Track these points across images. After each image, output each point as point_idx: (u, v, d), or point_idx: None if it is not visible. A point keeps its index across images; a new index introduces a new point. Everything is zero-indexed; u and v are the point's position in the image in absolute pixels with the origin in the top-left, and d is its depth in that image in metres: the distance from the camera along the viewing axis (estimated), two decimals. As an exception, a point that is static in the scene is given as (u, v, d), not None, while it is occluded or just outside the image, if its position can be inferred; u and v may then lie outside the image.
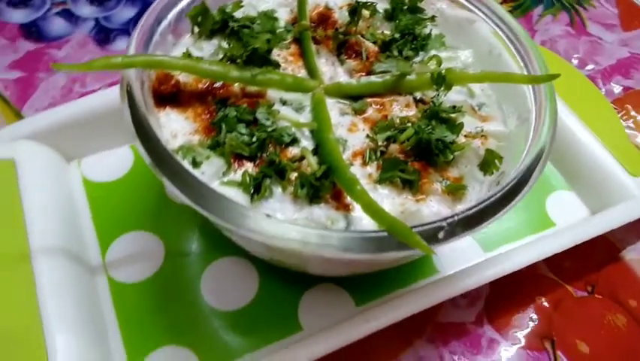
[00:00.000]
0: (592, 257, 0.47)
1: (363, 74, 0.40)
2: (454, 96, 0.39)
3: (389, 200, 0.34)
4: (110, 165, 0.47)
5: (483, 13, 0.43)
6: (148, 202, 0.46)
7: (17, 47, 0.56)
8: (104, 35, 0.58)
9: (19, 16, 0.58)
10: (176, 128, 0.35)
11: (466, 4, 0.43)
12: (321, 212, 0.32)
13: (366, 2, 0.42)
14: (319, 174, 0.32)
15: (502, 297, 0.44)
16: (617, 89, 0.57)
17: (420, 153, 0.35)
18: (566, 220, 0.47)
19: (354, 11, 0.41)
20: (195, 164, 0.34)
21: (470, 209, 0.30)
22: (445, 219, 0.29)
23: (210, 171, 0.33)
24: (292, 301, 0.41)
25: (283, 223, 0.29)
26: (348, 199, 0.33)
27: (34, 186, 0.42)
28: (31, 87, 0.53)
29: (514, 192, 0.32)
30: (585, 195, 0.49)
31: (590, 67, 0.58)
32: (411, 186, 0.34)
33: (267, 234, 0.29)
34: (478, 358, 0.40)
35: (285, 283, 0.42)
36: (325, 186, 0.32)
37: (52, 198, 0.43)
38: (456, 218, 0.30)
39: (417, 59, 0.41)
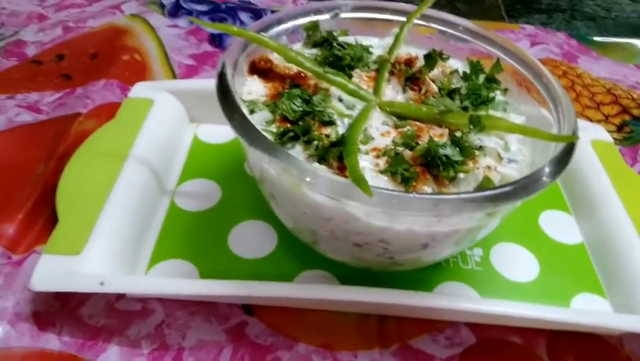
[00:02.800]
0: (601, 364, 0.44)
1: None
2: (489, 144, 0.43)
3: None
4: (218, 134, 0.59)
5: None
6: (229, 166, 0.56)
7: (200, 46, 0.74)
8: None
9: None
10: (253, 89, 0.46)
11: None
12: (319, 167, 0.38)
13: (442, 52, 0.49)
14: (332, 141, 0.39)
15: (484, 354, 0.43)
16: None
17: (427, 162, 0.40)
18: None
19: (429, 56, 0.49)
20: (251, 112, 0.43)
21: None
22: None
23: (258, 119, 0.42)
24: (291, 272, 0.46)
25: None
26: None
27: (156, 122, 0.56)
28: (195, 73, 0.69)
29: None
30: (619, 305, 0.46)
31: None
32: (406, 182, 0.39)
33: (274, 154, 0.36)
34: (428, 386, 0.41)
35: (294, 256, 0.48)
36: (333, 152, 0.39)
37: (164, 135, 0.56)
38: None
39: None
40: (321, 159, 0.39)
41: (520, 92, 0.49)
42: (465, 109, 0.46)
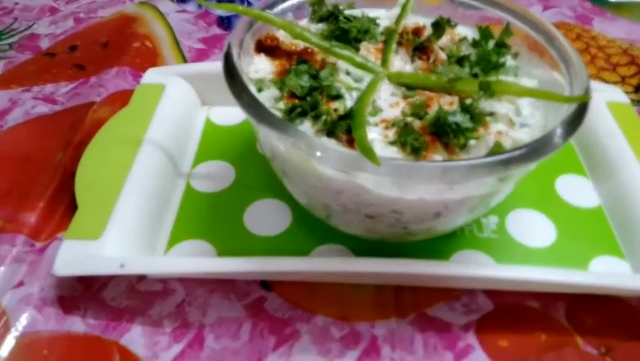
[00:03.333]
0: (622, 326, 0.43)
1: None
2: (500, 110, 0.43)
3: (393, 158, 0.38)
4: (230, 115, 0.60)
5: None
6: (241, 147, 0.56)
7: (209, 29, 0.74)
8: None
9: (220, 10, 0.77)
10: (260, 67, 0.46)
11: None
12: (327, 141, 0.38)
13: (449, 20, 0.49)
14: (340, 115, 0.39)
15: (502, 319, 0.43)
16: None
17: (436, 131, 0.39)
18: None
19: (437, 24, 0.48)
20: (259, 90, 0.43)
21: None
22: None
23: (266, 96, 0.43)
24: (306, 247, 0.47)
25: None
26: (359, 146, 0.39)
27: (169, 107, 0.56)
28: (205, 57, 0.69)
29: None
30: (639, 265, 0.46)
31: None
32: (416, 152, 0.38)
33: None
34: (446, 353, 0.41)
35: (308, 231, 0.48)
36: (341, 125, 0.39)
37: (177, 119, 0.56)
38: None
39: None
40: (330, 133, 0.39)
41: (532, 56, 0.48)
42: (475, 76, 0.46)
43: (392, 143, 0.39)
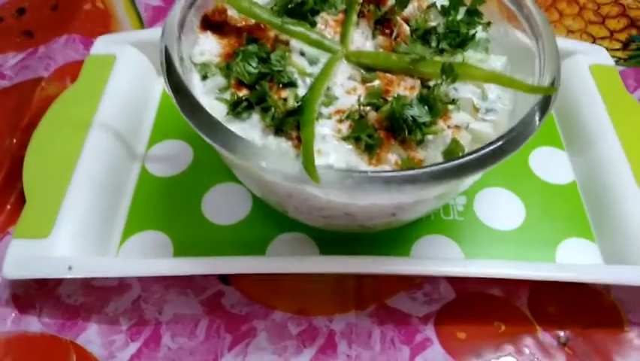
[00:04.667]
0: (586, 312, 0.42)
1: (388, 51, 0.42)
2: (465, 93, 0.40)
3: (345, 157, 0.36)
4: (188, 87, 0.56)
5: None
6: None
7: (168, -17, 0.68)
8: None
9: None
10: (206, 48, 0.42)
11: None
12: (275, 142, 0.36)
13: (414, -13, 0.44)
14: (288, 110, 0.36)
15: (463, 309, 0.42)
16: None
17: (392, 125, 0.37)
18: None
19: (400, -7, 0.44)
20: (204, 77, 0.40)
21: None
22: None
23: (211, 85, 0.39)
24: (267, 236, 0.45)
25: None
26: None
27: (120, 81, 0.52)
28: (163, 16, 0.64)
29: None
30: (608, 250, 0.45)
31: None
32: (370, 150, 0.36)
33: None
34: (403, 347, 0.40)
35: (269, 219, 0.46)
36: (289, 122, 0.36)
37: (130, 94, 0.53)
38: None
39: (455, 58, 0.42)
40: (279, 129, 0.37)
41: (503, 24, 0.44)
42: (441, 51, 0.42)
43: (345, 139, 0.36)
